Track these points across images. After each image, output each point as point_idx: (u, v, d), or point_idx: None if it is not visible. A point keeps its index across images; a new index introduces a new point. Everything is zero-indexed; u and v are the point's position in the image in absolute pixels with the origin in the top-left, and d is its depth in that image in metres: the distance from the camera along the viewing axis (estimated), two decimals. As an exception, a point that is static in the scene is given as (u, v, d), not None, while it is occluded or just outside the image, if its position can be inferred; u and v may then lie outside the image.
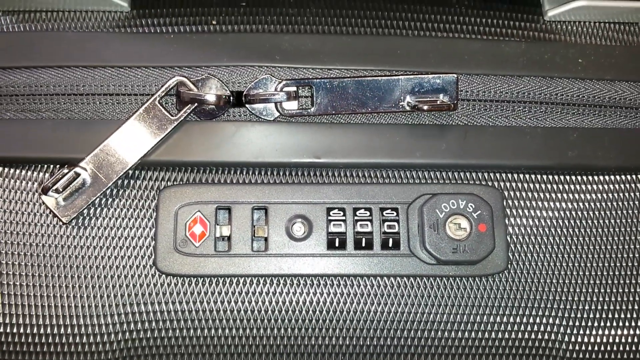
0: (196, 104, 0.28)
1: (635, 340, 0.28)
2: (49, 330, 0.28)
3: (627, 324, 0.28)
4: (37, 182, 0.28)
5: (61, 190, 0.27)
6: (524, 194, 0.29)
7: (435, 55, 0.30)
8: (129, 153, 0.27)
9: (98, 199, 0.28)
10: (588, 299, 0.29)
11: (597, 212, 0.29)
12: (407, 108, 0.28)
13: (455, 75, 0.28)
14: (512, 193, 0.29)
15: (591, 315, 0.28)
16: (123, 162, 0.27)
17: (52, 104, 0.29)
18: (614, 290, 0.29)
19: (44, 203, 0.28)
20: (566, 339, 0.28)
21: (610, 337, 0.28)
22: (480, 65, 0.30)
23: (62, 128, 0.28)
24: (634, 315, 0.29)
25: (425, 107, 0.28)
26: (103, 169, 0.27)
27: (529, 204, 0.29)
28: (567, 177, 0.30)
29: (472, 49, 0.30)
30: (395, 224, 0.28)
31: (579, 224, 0.29)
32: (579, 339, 0.28)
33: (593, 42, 0.33)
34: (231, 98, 0.28)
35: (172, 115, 0.28)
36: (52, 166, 0.29)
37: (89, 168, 0.27)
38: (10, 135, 0.28)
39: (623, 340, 0.28)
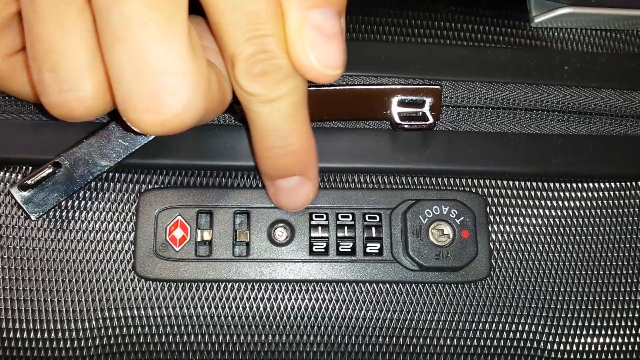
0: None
1: (618, 347, 0.28)
2: (25, 335, 0.27)
3: (609, 331, 0.28)
4: (13, 183, 0.28)
5: (33, 185, 0.26)
6: (507, 200, 0.29)
7: (420, 62, 0.30)
8: (108, 155, 0.27)
9: (76, 201, 0.28)
10: (571, 306, 0.28)
11: (580, 220, 0.29)
12: (388, 122, 0.28)
13: (439, 87, 0.28)
14: (495, 200, 0.29)
15: (574, 323, 0.28)
16: (100, 164, 0.27)
17: (33, 105, 0.29)
18: (597, 298, 0.29)
19: (13, 198, 0.27)
20: (548, 346, 0.28)
21: (593, 345, 0.28)
22: (465, 72, 0.30)
23: (42, 129, 0.28)
24: (617, 323, 0.29)
25: (406, 126, 0.28)
26: (79, 168, 0.26)
27: (512, 211, 0.29)
28: (551, 184, 0.30)
29: (458, 55, 0.30)
30: (378, 229, 0.28)
31: (562, 231, 0.29)
32: (562, 347, 0.28)
33: (579, 49, 0.33)
34: None
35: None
36: (25, 167, 0.28)
37: (64, 165, 0.27)
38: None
39: (606, 347, 0.28)
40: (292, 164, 0.24)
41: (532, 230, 0.29)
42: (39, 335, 0.27)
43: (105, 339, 0.27)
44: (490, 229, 0.29)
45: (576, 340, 0.28)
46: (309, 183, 0.26)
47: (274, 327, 0.28)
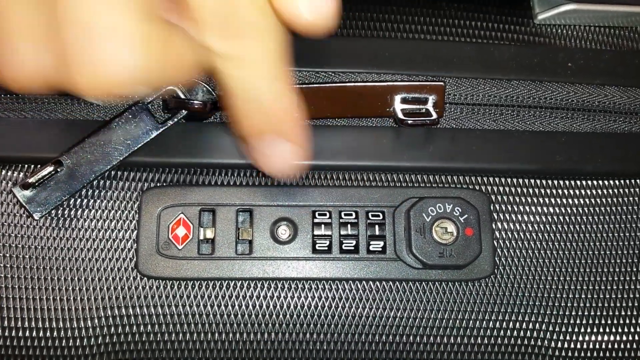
0: (184, 111, 0.27)
1: (622, 345, 0.28)
2: (27, 334, 0.27)
3: (613, 329, 0.28)
4: (15, 182, 0.28)
5: (35, 184, 0.26)
6: (511, 198, 0.29)
7: (423, 58, 0.30)
8: (110, 154, 0.27)
9: (79, 199, 0.28)
10: (574, 304, 0.28)
11: (584, 217, 0.29)
12: (391, 119, 0.28)
13: (442, 84, 0.28)
14: (499, 197, 0.29)
15: (577, 321, 0.28)
16: (102, 163, 0.26)
17: (35, 103, 0.29)
18: (602, 296, 0.29)
19: (15, 197, 0.27)
20: (552, 344, 0.28)
21: (597, 343, 0.28)
22: (469, 69, 0.30)
23: (44, 128, 0.28)
24: (621, 321, 0.28)
25: (410, 122, 0.28)
26: (81, 167, 0.26)
27: (516, 208, 0.29)
28: (555, 182, 0.30)
29: (462, 52, 0.30)
30: (382, 227, 0.28)
31: (566, 228, 0.29)
32: (565, 344, 0.28)
33: (583, 46, 0.33)
34: (218, 102, 0.28)
35: (158, 122, 0.27)
36: (27, 166, 0.28)
37: (66, 164, 0.26)
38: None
39: (610, 345, 0.28)
40: (269, 124, 0.23)
41: (536, 228, 0.29)
42: (41, 334, 0.27)
43: (107, 337, 0.27)
44: (494, 226, 0.29)
45: (580, 338, 0.28)
46: (289, 144, 0.24)
47: (277, 325, 0.28)
